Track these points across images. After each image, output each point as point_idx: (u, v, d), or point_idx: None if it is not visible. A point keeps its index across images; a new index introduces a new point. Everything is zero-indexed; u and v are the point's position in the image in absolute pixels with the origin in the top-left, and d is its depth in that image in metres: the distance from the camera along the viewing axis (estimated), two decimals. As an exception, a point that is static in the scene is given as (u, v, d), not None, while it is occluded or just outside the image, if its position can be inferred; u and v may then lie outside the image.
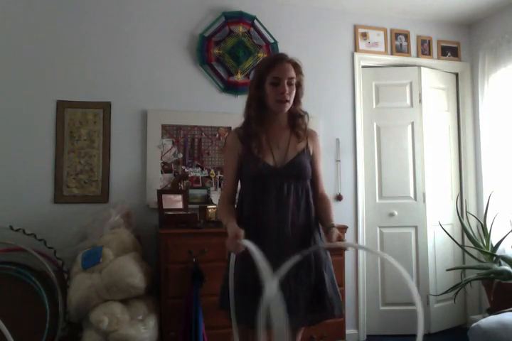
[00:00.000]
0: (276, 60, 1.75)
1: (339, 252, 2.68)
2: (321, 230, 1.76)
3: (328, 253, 1.77)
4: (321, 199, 1.81)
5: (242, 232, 1.53)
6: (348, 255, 3.18)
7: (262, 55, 3.18)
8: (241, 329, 1.71)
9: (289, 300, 1.58)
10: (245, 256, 1.61)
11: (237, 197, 1.82)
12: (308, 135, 1.81)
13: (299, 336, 1.79)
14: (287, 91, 1.68)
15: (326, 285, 1.68)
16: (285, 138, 1.76)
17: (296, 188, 1.71)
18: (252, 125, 1.75)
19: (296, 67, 1.74)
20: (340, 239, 1.60)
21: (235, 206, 1.80)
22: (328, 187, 3.25)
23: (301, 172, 1.73)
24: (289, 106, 1.73)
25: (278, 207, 1.67)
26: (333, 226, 1.66)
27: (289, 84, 1.70)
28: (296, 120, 1.78)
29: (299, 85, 1.76)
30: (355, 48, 3.47)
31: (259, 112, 1.75)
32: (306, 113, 1.81)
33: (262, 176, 1.68)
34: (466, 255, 3.33)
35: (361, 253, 3.35)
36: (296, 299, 1.63)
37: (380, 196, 3.47)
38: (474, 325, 2.06)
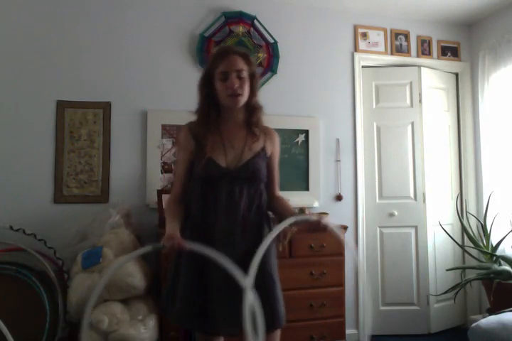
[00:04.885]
0: (220, 54, 1.66)
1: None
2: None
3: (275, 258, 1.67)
4: (278, 199, 1.72)
5: (177, 234, 1.49)
6: (348, 255, 3.18)
7: (262, 55, 3.18)
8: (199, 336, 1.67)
9: (234, 306, 1.44)
10: (191, 259, 1.56)
11: None
12: (267, 134, 1.70)
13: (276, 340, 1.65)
14: (237, 85, 1.59)
15: (278, 293, 1.60)
16: (241, 137, 1.64)
17: (249, 192, 1.60)
18: (205, 122, 1.65)
19: (245, 58, 1.64)
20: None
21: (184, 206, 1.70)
22: (328, 187, 3.32)
23: (255, 176, 1.61)
24: (242, 99, 1.63)
25: (228, 211, 1.56)
26: (296, 213, 1.61)
27: (239, 77, 1.60)
28: (252, 116, 1.66)
29: (252, 77, 1.66)
30: (355, 48, 3.47)
31: (211, 110, 1.66)
32: (261, 106, 1.70)
33: (212, 178, 1.57)
34: (466, 255, 3.33)
35: (361, 254, 3.34)
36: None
37: (380, 196, 3.47)
38: (474, 325, 2.06)
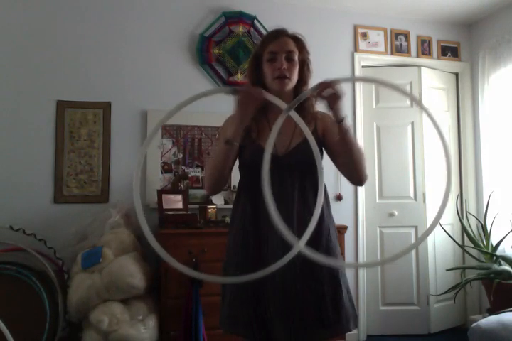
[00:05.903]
0: (271, 34, 1.56)
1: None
2: (334, 228, 1.57)
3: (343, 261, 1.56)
4: None
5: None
6: (348, 255, 3.18)
7: (262, 55, 3.18)
8: None
9: (294, 311, 1.39)
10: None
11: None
12: (318, 118, 1.58)
13: None
14: (285, 66, 1.48)
15: (343, 296, 1.45)
16: (289, 122, 1.42)
17: (302, 180, 1.46)
18: None
19: (298, 41, 1.54)
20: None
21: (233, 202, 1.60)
22: (328, 187, 3.29)
23: (307, 161, 1.41)
24: (290, 83, 1.51)
25: (281, 203, 1.36)
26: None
27: (288, 59, 1.50)
28: (303, 103, 1.50)
29: (303, 63, 1.56)
30: (355, 48, 3.47)
31: None
32: (314, 95, 1.54)
33: (260, 165, 1.39)
34: (466, 255, 3.33)
35: (361, 254, 3.34)
36: (302, 310, 1.40)
37: (380, 196, 3.47)
38: (474, 325, 2.06)
